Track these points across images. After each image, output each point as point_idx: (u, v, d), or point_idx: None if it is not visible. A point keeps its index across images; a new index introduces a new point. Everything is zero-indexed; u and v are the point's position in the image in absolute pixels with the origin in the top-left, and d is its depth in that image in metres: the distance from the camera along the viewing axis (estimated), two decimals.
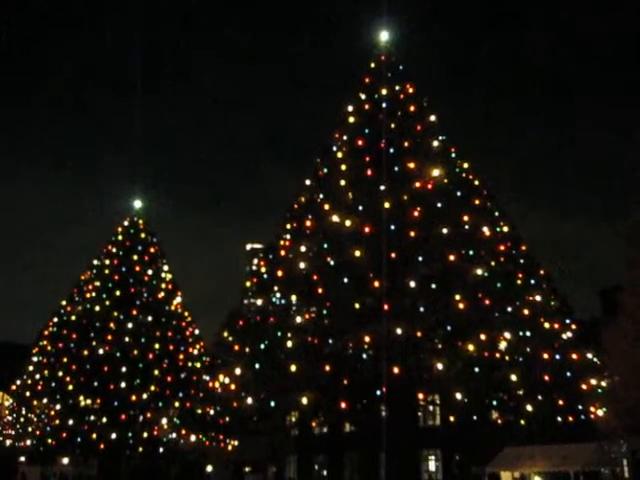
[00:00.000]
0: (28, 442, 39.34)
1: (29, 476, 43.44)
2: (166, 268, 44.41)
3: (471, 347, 22.67)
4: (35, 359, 41.14)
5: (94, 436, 37.41)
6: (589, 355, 25.63)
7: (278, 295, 26.37)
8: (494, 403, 25.59)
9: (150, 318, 40.71)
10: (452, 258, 24.16)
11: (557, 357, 24.51)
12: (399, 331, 22.61)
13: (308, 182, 28.96)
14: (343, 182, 26.92)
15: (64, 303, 42.34)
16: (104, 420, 37.59)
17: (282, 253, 27.28)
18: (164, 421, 38.49)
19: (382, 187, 25.59)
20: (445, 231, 24.65)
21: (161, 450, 40.18)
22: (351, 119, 29.01)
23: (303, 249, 25.97)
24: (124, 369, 38.26)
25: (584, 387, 24.56)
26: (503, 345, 23.59)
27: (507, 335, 23.58)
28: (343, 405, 23.77)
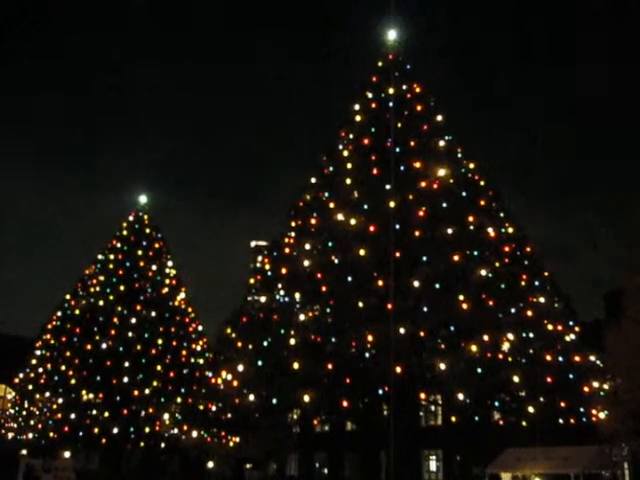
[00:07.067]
0: (30, 435, 39.48)
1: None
2: (170, 264, 44.50)
3: (474, 348, 22.65)
4: (38, 353, 41.26)
5: (96, 430, 37.54)
6: (592, 358, 25.63)
7: (282, 293, 26.39)
8: (496, 404, 25.60)
9: (154, 313, 40.81)
10: (456, 258, 24.13)
11: (560, 359, 24.47)
12: (402, 331, 22.61)
13: (314, 180, 28.94)
14: (349, 181, 26.91)
15: (68, 297, 42.45)
16: (106, 415, 37.70)
17: (286, 251, 27.28)
18: (166, 416, 38.56)
19: (388, 186, 25.55)
20: (450, 231, 24.61)
21: (162, 445, 40.32)
22: (358, 118, 29.00)
23: (307, 247, 25.97)
24: (127, 364, 38.37)
25: (586, 389, 24.55)
26: (506, 346, 23.57)
27: (510, 336, 23.55)
28: (345, 404, 23.78)
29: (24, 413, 39.86)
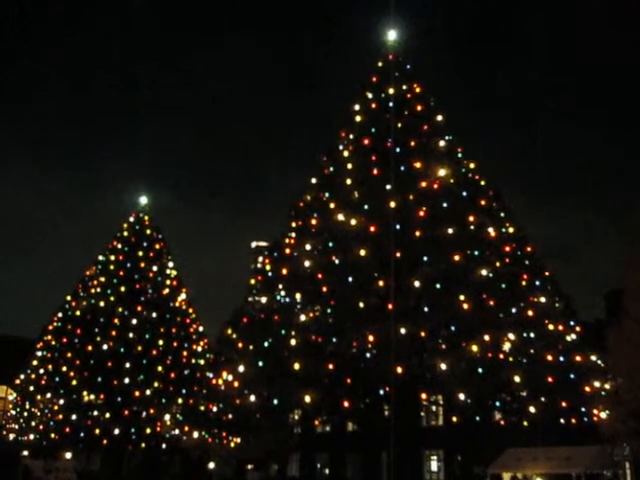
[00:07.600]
0: (31, 436, 39.50)
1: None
2: (171, 264, 44.48)
3: (475, 348, 22.64)
4: (39, 354, 41.28)
5: (97, 431, 37.52)
6: (593, 357, 25.60)
7: (282, 293, 26.36)
8: (497, 404, 25.58)
9: (154, 314, 40.78)
10: (457, 258, 24.11)
11: (561, 359, 24.45)
12: (403, 331, 22.60)
13: (314, 180, 28.93)
14: (349, 181, 26.89)
15: (69, 298, 42.45)
16: (107, 415, 37.68)
17: (287, 251, 27.26)
18: (167, 417, 38.59)
19: (388, 186, 25.53)
20: (450, 231, 24.58)
21: (164, 446, 40.33)
22: (358, 118, 28.96)
23: (308, 247, 25.95)
24: (128, 365, 38.34)
25: (587, 389, 24.51)
26: (507, 346, 23.55)
27: (511, 336, 23.53)
28: (346, 404, 23.78)
29: (25, 414, 39.88)
